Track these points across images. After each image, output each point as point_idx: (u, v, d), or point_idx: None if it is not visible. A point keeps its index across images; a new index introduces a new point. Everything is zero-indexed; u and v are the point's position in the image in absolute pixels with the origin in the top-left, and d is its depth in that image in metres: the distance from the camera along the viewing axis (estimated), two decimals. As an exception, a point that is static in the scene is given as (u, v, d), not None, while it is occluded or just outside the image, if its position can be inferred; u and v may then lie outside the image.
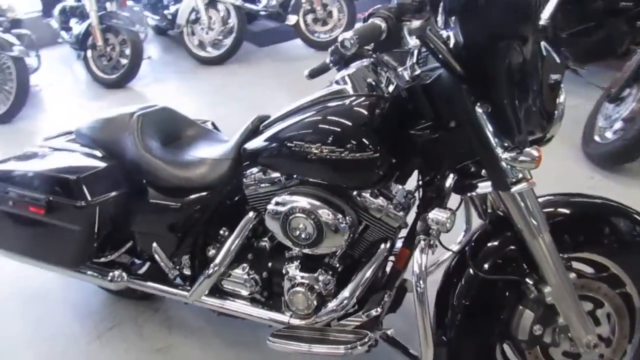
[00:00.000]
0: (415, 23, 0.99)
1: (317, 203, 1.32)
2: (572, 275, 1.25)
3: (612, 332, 1.33)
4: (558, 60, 1.16)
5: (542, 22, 3.06)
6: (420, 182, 1.36)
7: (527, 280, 1.25)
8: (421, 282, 1.17)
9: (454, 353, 1.30)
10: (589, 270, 1.33)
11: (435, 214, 1.18)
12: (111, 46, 4.49)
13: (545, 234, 1.19)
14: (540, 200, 1.26)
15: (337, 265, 1.46)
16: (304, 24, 4.88)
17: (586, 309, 1.30)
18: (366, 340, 1.35)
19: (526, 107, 1.08)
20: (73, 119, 1.66)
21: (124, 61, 4.49)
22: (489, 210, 1.37)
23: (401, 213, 1.35)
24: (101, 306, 2.02)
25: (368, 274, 1.39)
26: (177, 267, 1.64)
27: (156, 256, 1.61)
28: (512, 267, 1.26)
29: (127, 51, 4.43)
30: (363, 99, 1.30)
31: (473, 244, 1.30)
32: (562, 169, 2.63)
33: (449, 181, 1.32)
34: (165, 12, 5.22)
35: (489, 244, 1.28)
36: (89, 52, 4.57)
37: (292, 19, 4.78)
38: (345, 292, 1.39)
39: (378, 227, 1.37)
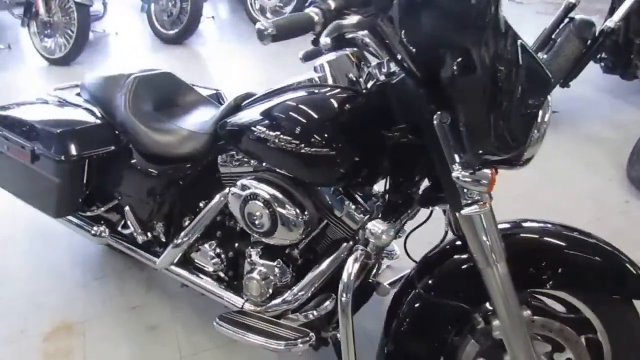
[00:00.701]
0: (354, 18, 0.90)
1: (277, 194, 1.27)
2: (527, 312, 1.13)
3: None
4: (547, 76, 1.03)
5: (611, 24, 2.81)
6: (387, 188, 1.28)
7: (476, 309, 1.15)
8: (346, 292, 1.11)
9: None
10: (560, 308, 1.21)
11: (373, 225, 1.10)
12: (172, 1, 4.57)
13: (500, 263, 1.08)
14: (519, 224, 1.19)
15: (298, 257, 1.42)
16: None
17: (543, 350, 1.20)
18: (307, 339, 1.32)
19: (488, 124, 0.96)
20: (125, 68, 1.70)
21: (184, 18, 4.58)
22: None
23: (362, 216, 1.28)
24: (95, 256, 2.10)
25: (323, 271, 1.34)
26: (148, 232, 1.66)
27: (127, 218, 1.64)
28: (462, 293, 1.16)
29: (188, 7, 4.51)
30: (337, 91, 1.21)
31: (425, 262, 1.21)
32: (600, 188, 2.41)
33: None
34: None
35: (442, 265, 1.19)
36: (152, 6, 4.69)
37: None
38: (299, 286, 1.36)
39: (338, 227, 1.31)
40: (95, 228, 1.77)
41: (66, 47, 4.15)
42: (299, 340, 1.32)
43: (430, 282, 1.18)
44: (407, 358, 1.23)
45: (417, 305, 1.18)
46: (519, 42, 0.96)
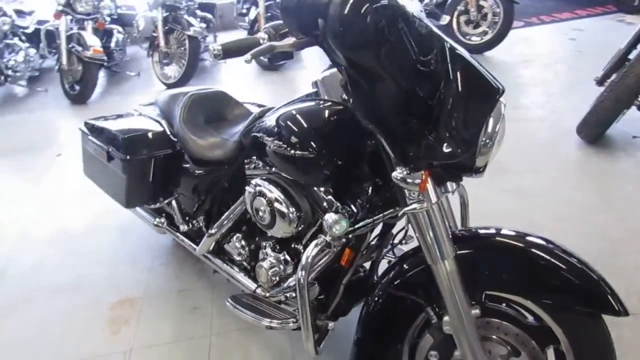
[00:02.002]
0: (290, 40, 1.08)
1: (277, 192, 1.47)
2: (476, 311, 1.19)
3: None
4: (492, 86, 1.10)
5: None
6: (369, 189, 1.41)
7: (430, 305, 1.24)
8: (303, 272, 1.27)
9: (359, 354, 1.36)
10: (528, 317, 1.24)
11: (328, 216, 1.25)
12: None
13: (447, 261, 1.16)
14: (493, 231, 1.24)
15: (301, 251, 1.60)
16: (456, 25, 4.78)
17: (500, 352, 1.24)
18: (289, 324, 1.49)
19: (407, 130, 1.08)
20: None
21: None
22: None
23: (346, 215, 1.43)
24: (165, 246, 2.47)
25: (319, 262, 1.50)
26: (190, 223, 1.96)
27: (172, 210, 1.96)
28: (419, 289, 1.25)
29: None
30: (326, 105, 1.38)
31: (398, 258, 1.33)
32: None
33: None
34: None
35: (405, 262, 1.29)
36: None
37: (445, 19, 4.74)
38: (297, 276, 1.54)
39: None
40: (157, 219, 2.12)
41: (179, 73, 4.79)
42: (290, 321, 1.50)
43: (393, 277, 1.29)
44: (372, 346, 1.34)
45: (380, 298, 1.30)
46: (450, 54, 1.05)
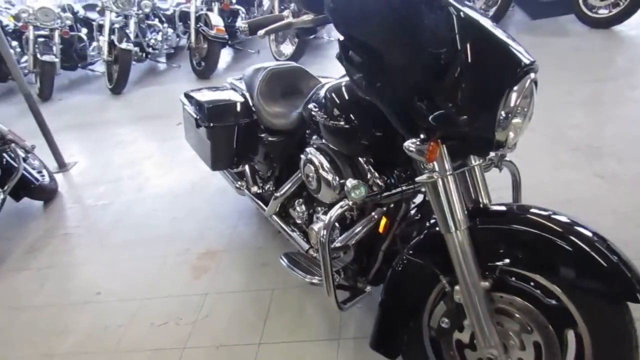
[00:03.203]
0: (309, 16, 1.16)
1: (323, 160, 1.59)
2: (485, 283, 1.20)
3: (538, 363, 1.22)
4: (517, 59, 1.07)
5: None
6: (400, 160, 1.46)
7: (445, 274, 1.27)
8: (324, 231, 1.37)
9: (382, 315, 1.43)
10: (545, 296, 1.22)
11: (348, 181, 1.33)
12: None
13: (459, 232, 1.18)
14: (516, 207, 1.24)
15: (347, 217, 1.71)
16: (583, -4, 4.37)
17: (512, 327, 1.24)
18: (315, 281, 1.62)
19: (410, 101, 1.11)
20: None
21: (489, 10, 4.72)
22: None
23: (381, 184, 1.50)
24: (250, 208, 2.71)
25: (357, 229, 1.60)
26: (262, 186, 2.16)
27: (247, 175, 2.17)
28: (435, 258, 1.28)
29: None
30: None
31: (419, 230, 1.37)
32: None
33: None
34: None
35: (424, 232, 1.33)
36: None
37: (568, -10, 4.36)
38: (340, 239, 1.65)
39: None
40: (238, 182, 2.35)
41: (292, 51, 5.05)
42: (314, 278, 1.63)
43: (415, 245, 1.34)
44: (395, 308, 1.41)
45: (402, 265, 1.36)
46: (462, 23, 1.03)
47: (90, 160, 3.94)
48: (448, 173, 1.18)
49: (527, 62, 1.05)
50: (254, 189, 2.20)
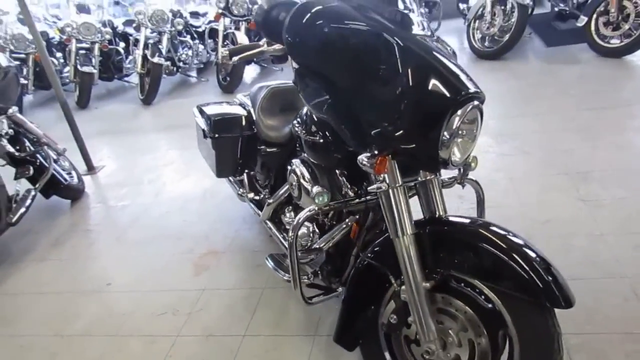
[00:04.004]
0: (277, 46, 1.36)
1: (305, 171, 1.76)
2: (426, 284, 1.34)
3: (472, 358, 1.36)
4: (459, 86, 1.21)
5: None
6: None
7: (395, 274, 1.43)
8: (292, 233, 1.54)
9: (344, 311, 1.59)
10: (483, 300, 1.35)
11: (314, 188, 1.51)
12: (493, 21, 4.93)
13: (405, 237, 1.34)
14: (466, 221, 1.37)
15: (326, 224, 1.88)
16: (594, 27, 4.45)
17: (451, 326, 1.38)
18: (306, 279, 1.79)
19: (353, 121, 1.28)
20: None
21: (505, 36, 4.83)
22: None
23: (352, 194, 1.67)
24: (253, 219, 2.92)
25: (330, 234, 1.78)
26: (258, 194, 2.36)
27: (245, 183, 2.37)
28: (388, 260, 1.44)
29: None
30: None
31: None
32: None
33: None
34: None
35: (383, 235, 1.49)
36: (475, 23, 5.11)
37: (581, 20, 4.46)
38: (318, 243, 1.83)
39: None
40: (240, 190, 2.56)
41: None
42: (304, 278, 1.80)
43: (372, 248, 1.51)
44: (355, 305, 1.57)
45: (361, 266, 1.52)
46: (406, 52, 1.19)
47: (117, 164, 4.23)
48: (397, 185, 1.34)
49: (470, 90, 1.21)
50: (251, 195, 2.41)
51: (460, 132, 1.27)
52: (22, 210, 2.90)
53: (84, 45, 6.23)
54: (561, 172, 2.75)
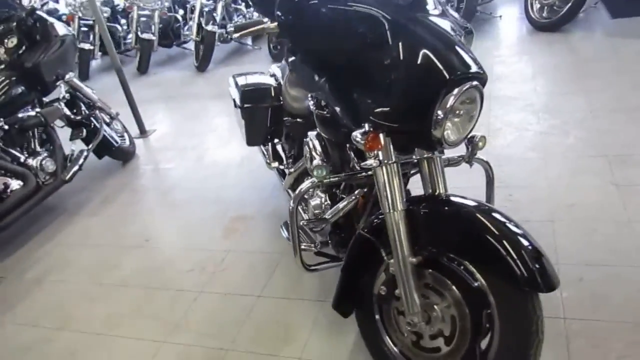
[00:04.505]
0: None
1: (317, 144, 1.83)
2: (413, 260, 1.38)
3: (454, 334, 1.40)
4: (465, 67, 1.20)
5: None
6: None
7: (384, 247, 1.47)
8: (294, 201, 1.61)
9: (342, 280, 1.66)
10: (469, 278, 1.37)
11: (315, 161, 1.56)
12: None
13: (396, 212, 1.37)
14: (458, 201, 1.38)
15: (337, 195, 1.95)
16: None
17: (435, 301, 1.42)
18: (311, 248, 1.88)
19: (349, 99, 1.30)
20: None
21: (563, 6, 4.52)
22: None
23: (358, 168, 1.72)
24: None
25: (341, 205, 1.84)
26: (281, 163, 2.45)
27: (268, 151, 2.46)
28: (381, 233, 1.49)
29: None
30: None
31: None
32: None
33: None
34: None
35: (377, 211, 1.54)
36: None
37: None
38: (327, 214, 1.90)
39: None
40: (267, 158, 2.66)
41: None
42: (312, 246, 1.89)
43: (367, 223, 1.56)
44: (353, 274, 1.64)
45: (358, 237, 1.58)
46: (403, 31, 1.21)
47: (167, 128, 4.46)
48: (390, 162, 1.38)
49: (467, 70, 1.21)
50: (275, 164, 2.50)
51: (457, 112, 1.28)
52: (75, 168, 3.15)
53: (145, 12, 6.48)
54: (599, 154, 2.63)
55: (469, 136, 1.57)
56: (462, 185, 1.74)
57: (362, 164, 1.42)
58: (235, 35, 1.46)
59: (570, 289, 1.85)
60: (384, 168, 1.38)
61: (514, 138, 2.99)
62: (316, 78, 1.38)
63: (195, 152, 3.79)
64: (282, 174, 2.53)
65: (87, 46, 6.63)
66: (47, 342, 2.14)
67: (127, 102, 4.22)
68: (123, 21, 7.19)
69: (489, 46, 4.85)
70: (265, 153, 2.74)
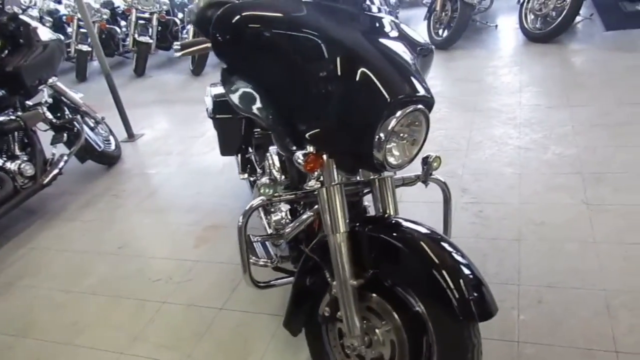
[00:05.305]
0: None
1: (275, 159, 1.83)
2: (353, 283, 1.36)
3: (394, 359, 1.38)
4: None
5: None
6: None
7: (328, 269, 1.46)
8: (242, 218, 1.60)
9: (292, 298, 1.65)
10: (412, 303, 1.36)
11: (263, 179, 1.55)
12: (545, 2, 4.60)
13: (338, 235, 1.36)
14: (406, 225, 1.35)
15: (299, 210, 1.94)
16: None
17: (376, 325, 1.41)
18: (267, 264, 1.87)
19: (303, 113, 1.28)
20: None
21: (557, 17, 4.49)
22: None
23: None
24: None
25: (297, 223, 1.82)
26: (249, 174, 2.45)
27: (237, 161, 2.46)
28: (325, 253, 1.47)
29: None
30: None
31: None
32: None
33: None
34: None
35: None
36: (529, 3, 4.83)
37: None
38: (285, 230, 1.89)
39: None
40: (241, 169, 2.66)
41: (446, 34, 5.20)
42: (266, 261, 1.88)
43: (315, 242, 1.55)
44: (303, 291, 1.62)
45: (307, 256, 1.57)
46: (348, 55, 1.19)
47: (155, 133, 4.48)
48: (333, 183, 1.37)
49: (412, 93, 1.19)
50: (244, 176, 2.50)
51: (401, 135, 1.26)
52: (55, 172, 3.17)
53: (144, 15, 6.51)
54: (574, 172, 2.61)
55: (424, 156, 1.58)
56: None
57: (304, 185, 1.41)
58: (178, 54, 1.45)
59: (528, 312, 1.82)
60: (325, 190, 1.37)
61: (493, 152, 2.96)
62: (254, 99, 1.36)
63: (180, 158, 3.80)
64: (253, 185, 2.53)
65: (85, 47, 6.67)
66: (7, 349, 2.15)
67: (116, 107, 4.23)
68: (123, 23, 7.23)
69: (481, 55, 4.84)
70: (237, 164, 2.74)
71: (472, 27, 5.52)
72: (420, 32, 1.52)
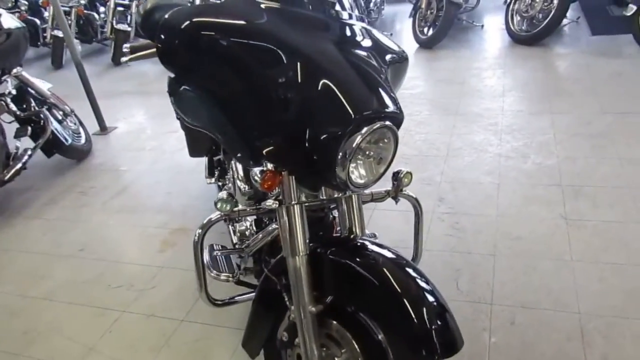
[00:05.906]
0: None
1: (240, 169, 1.75)
2: (313, 309, 1.27)
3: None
4: (379, 106, 1.11)
5: None
6: None
7: (286, 292, 1.37)
8: (199, 231, 1.50)
9: (252, 318, 1.56)
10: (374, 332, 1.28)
11: (221, 193, 1.45)
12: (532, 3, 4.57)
13: (297, 257, 1.27)
14: (371, 249, 1.28)
15: (265, 222, 1.84)
16: (643, 17, 4.02)
17: (336, 353, 1.33)
18: (228, 278, 1.76)
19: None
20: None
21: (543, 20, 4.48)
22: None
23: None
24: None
25: (260, 236, 1.72)
26: (215, 178, 2.35)
27: (205, 164, 2.37)
28: (285, 275, 1.39)
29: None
30: None
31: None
32: None
33: None
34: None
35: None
36: (515, 4, 4.77)
37: (630, 9, 4.03)
38: (247, 243, 1.79)
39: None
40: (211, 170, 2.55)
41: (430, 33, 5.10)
42: (226, 276, 1.78)
43: (272, 264, 1.46)
44: (260, 315, 1.54)
45: (263, 279, 1.48)
46: (308, 69, 1.09)
47: (129, 127, 4.32)
48: (292, 202, 1.27)
49: (378, 109, 1.10)
50: (210, 180, 2.39)
51: (367, 152, 1.17)
52: (18, 166, 3.02)
53: (122, 2, 6.31)
54: (553, 183, 2.54)
55: (395, 171, 1.50)
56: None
57: (262, 203, 1.31)
58: (125, 59, 1.33)
59: (499, 334, 1.76)
60: (285, 209, 1.27)
61: (472, 160, 2.89)
62: (206, 112, 1.26)
63: (152, 154, 3.67)
64: (220, 189, 2.42)
65: (61, 34, 6.44)
66: (-48, 360, 2.03)
67: (87, 98, 4.07)
68: (102, 9, 7.00)
69: (465, 56, 4.76)
70: (212, 166, 2.63)
71: (457, 26, 5.45)
72: (405, 30, 1.42)
